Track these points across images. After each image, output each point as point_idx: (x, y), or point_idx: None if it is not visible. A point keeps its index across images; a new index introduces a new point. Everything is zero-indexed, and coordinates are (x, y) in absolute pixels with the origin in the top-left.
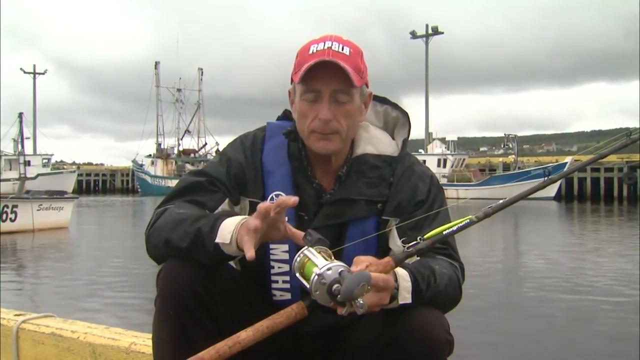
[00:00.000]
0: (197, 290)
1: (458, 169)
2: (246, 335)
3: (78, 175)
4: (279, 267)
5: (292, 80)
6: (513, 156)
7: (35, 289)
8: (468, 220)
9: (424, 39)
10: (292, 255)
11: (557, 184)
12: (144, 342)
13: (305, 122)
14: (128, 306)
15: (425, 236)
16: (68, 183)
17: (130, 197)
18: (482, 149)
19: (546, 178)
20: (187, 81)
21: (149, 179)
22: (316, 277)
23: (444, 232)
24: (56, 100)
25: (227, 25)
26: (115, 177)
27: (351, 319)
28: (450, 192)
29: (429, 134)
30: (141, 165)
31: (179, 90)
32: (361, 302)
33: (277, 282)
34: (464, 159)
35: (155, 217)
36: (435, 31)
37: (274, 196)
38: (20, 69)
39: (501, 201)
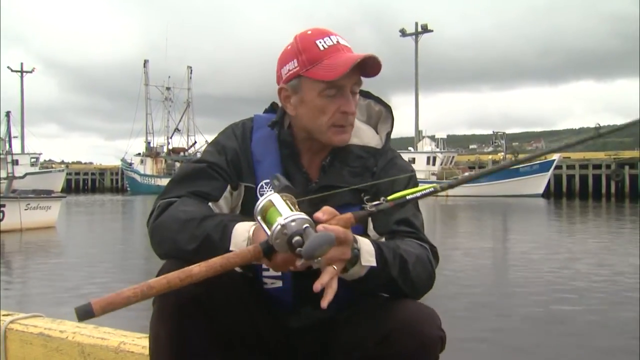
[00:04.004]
0: (196, 292)
1: (447, 166)
2: (199, 270)
3: (67, 174)
4: None
5: (292, 77)
6: (502, 153)
7: (23, 288)
8: (432, 188)
9: (414, 37)
10: None
11: (546, 181)
12: (133, 341)
13: (325, 118)
14: None
15: (389, 198)
16: (57, 182)
17: (119, 196)
18: (471, 146)
19: (514, 159)
20: (176, 80)
21: (138, 178)
22: (279, 227)
23: (407, 197)
24: (44, 99)
25: (216, 24)
26: (105, 176)
27: (344, 315)
28: None
29: (418, 132)
30: (130, 164)
31: (168, 88)
32: (319, 259)
33: (267, 269)
34: (453, 157)
35: (158, 210)
36: (425, 29)
37: (263, 184)
38: (8, 67)
39: (466, 174)
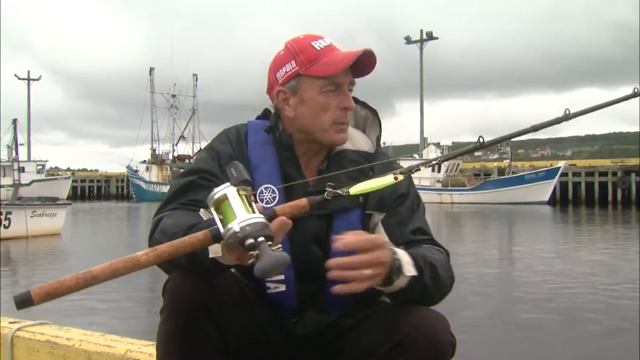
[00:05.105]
0: (206, 302)
1: (452, 173)
2: (146, 258)
3: (73, 181)
4: None
5: (289, 78)
6: (507, 161)
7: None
8: (393, 178)
9: (419, 44)
10: (284, 247)
11: (551, 188)
12: (139, 349)
13: (327, 115)
14: (124, 313)
15: (351, 191)
16: (63, 189)
17: (125, 203)
18: (476, 153)
19: (477, 144)
20: (181, 87)
21: (143, 185)
22: (232, 231)
23: (370, 189)
24: (51, 106)
25: (221, 32)
26: (110, 183)
27: (350, 321)
28: (444, 197)
29: (423, 139)
30: (136, 171)
31: (173, 96)
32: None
33: None
34: (458, 164)
35: (152, 227)
36: (430, 36)
37: (263, 189)
38: (15, 75)
39: (431, 158)
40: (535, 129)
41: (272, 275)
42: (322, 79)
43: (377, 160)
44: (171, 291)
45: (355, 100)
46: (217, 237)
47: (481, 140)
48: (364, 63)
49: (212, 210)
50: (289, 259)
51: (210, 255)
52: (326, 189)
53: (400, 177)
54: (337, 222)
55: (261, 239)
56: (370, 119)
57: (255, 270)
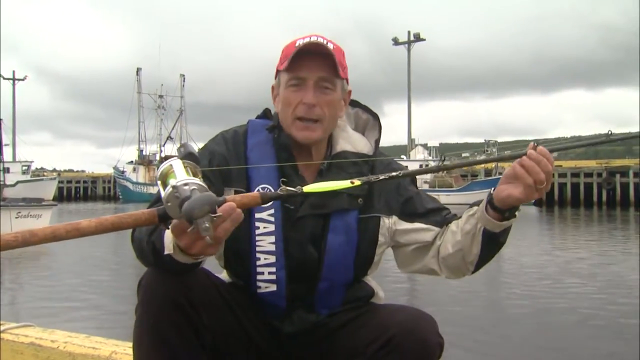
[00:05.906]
0: (178, 299)
1: (440, 174)
2: (87, 225)
3: (59, 182)
4: (265, 259)
5: (276, 74)
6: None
7: (14, 298)
8: (350, 182)
9: (406, 45)
10: (278, 247)
11: None
12: (124, 351)
13: (289, 110)
14: (108, 315)
15: (305, 189)
16: (49, 190)
17: (112, 204)
18: (463, 154)
19: (440, 164)
20: (169, 88)
21: (130, 186)
22: (171, 189)
23: (323, 190)
24: (36, 107)
25: (209, 33)
26: (97, 184)
27: (338, 320)
28: None
29: (411, 140)
30: (123, 172)
31: (160, 96)
32: (206, 224)
33: (262, 273)
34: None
35: (132, 231)
36: (418, 38)
37: (260, 189)
38: None
39: (395, 173)
40: (503, 159)
41: (197, 215)
42: (287, 73)
43: (378, 161)
44: (144, 288)
45: (357, 103)
46: (163, 217)
47: (443, 160)
48: (321, 54)
49: (159, 183)
50: (217, 200)
51: (165, 252)
52: (280, 184)
53: (357, 182)
54: (334, 222)
55: (194, 187)
56: (370, 123)
57: (182, 210)
